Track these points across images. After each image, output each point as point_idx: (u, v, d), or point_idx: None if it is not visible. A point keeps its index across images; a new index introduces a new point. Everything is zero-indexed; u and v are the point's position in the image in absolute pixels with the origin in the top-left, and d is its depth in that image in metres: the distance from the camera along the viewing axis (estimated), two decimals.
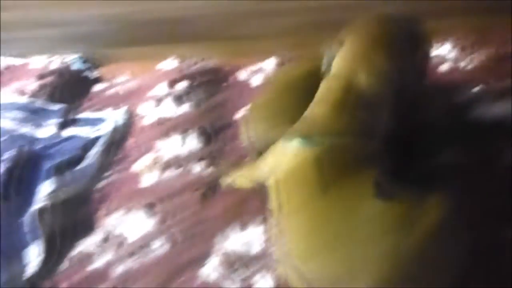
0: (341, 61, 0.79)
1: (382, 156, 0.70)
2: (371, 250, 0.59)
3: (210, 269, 0.80)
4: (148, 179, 1.00)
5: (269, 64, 1.30)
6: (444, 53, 1.18)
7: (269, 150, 0.77)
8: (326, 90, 0.76)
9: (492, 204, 0.78)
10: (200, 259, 0.82)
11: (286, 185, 0.69)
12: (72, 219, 0.96)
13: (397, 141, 0.74)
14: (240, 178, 0.90)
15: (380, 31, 0.79)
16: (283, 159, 0.72)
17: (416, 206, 0.63)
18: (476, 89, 1.03)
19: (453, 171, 0.81)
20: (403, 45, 0.77)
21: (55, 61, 1.43)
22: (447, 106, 0.96)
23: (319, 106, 0.75)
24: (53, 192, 0.98)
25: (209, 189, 0.94)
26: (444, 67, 1.14)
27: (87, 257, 0.88)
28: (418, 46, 0.82)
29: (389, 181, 0.66)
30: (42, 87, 1.32)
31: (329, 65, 0.80)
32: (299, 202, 0.67)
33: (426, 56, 0.87)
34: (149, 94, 1.24)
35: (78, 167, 1.05)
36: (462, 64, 1.14)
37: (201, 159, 1.02)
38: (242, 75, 1.28)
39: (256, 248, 0.82)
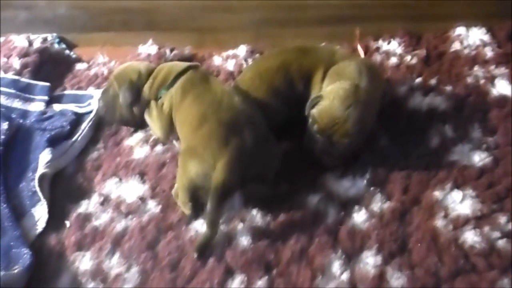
0: None
1: None
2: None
3: (200, 225, 0.95)
4: (139, 152, 1.13)
5: (242, 51, 1.44)
6: (392, 48, 1.37)
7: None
8: None
9: None
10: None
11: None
12: (69, 185, 1.08)
13: None
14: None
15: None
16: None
17: None
18: (415, 81, 1.24)
19: None
20: None
21: (36, 41, 1.49)
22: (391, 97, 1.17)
23: None
24: (50, 161, 1.09)
25: None
26: (393, 61, 1.34)
27: (87, 217, 1.01)
28: None
29: None
30: (25, 65, 1.39)
31: None
32: None
33: None
34: None
35: (71, 140, 1.17)
36: (407, 58, 1.34)
37: None
38: (217, 60, 1.41)
39: None
